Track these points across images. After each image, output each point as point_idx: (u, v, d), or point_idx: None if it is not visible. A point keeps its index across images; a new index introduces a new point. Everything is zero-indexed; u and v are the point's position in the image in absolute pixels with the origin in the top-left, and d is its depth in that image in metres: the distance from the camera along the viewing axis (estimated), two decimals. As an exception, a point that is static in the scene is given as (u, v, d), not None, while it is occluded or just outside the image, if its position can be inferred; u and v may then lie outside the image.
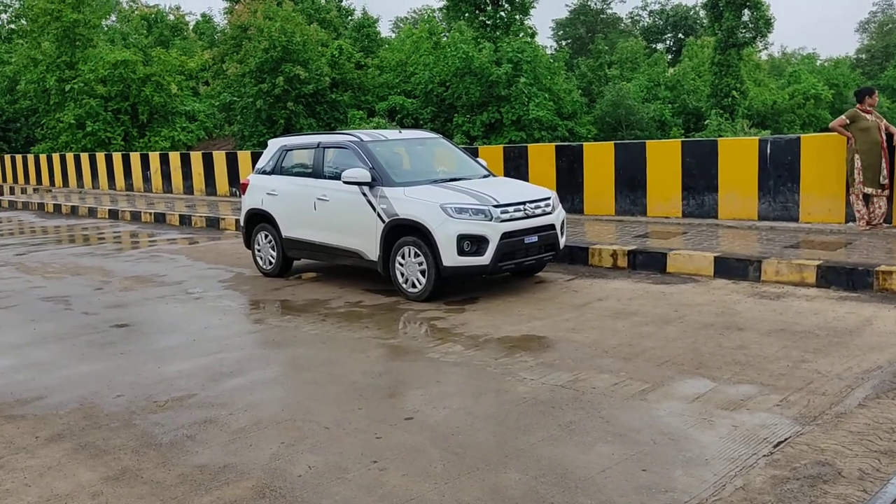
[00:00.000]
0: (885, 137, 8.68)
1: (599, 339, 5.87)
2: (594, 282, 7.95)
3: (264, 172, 9.09)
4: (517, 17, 36.63)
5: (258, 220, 9.05)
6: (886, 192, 8.76)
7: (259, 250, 9.08)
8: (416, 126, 30.97)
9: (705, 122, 36.26)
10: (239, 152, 17.99)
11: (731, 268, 7.75)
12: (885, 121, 8.96)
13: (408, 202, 7.45)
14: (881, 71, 61.46)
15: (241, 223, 9.39)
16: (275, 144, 9.22)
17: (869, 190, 8.72)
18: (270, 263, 8.96)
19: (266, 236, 8.94)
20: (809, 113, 41.69)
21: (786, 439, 3.91)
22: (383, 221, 7.57)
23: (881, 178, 8.64)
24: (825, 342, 5.49)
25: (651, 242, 8.91)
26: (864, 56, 65.36)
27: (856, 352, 5.24)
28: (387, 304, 7.40)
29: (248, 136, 31.28)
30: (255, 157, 15.84)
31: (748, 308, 6.56)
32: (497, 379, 5.08)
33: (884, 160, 8.64)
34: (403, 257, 7.47)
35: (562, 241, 7.97)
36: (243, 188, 9.36)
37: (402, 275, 7.50)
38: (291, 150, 8.95)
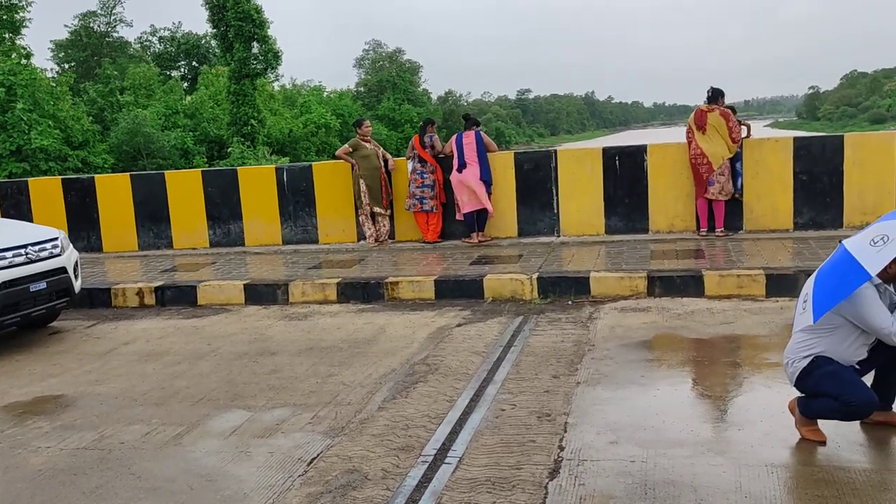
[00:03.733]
0: (382, 163, 9.80)
1: (127, 387, 5.45)
2: (119, 325, 7.38)
3: None
4: (6, 35, 32.44)
5: None
6: (388, 212, 9.91)
7: None
8: None
9: (228, 150, 36.86)
10: None
11: (260, 294, 7.93)
12: (381, 148, 10.13)
13: None
14: (378, 102, 69.90)
15: None
16: None
17: (376, 210, 9.75)
18: None
19: None
20: (322, 140, 45.43)
21: (318, 455, 4.09)
22: None
23: (383, 200, 9.75)
24: (348, 354, 5.94)
25: (179, 276, 8.64)
26: (363, 89, 73.62)
27: (374, 359, 5.77)
28: None
29: None
30: None
31: (279, 331, 6.77)
32: (5, 455, 4.34)
33: (383, 184, 9.75)
34: None
35: (77, 285, 7.22)
36: None
37: None
38: None
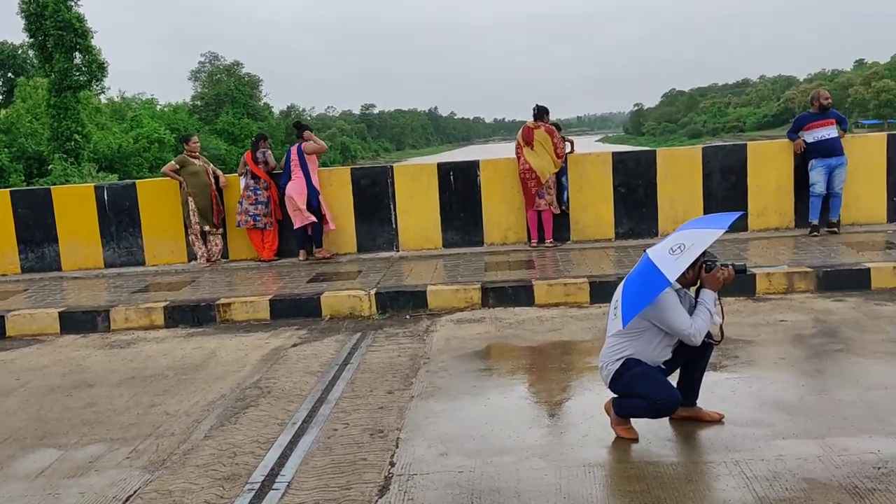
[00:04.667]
0: (213, 180, 9.45)
1: (-84, 433, 4.88)
2: (-89, 363, 6.62)
3: None
4: None
5: None
6: (220, 230, 9.56)
7: None
8: None
9: (49, 168, 34.29)
10: None
11: (78, 321, 7.39)
12: (211, 165, 9.77)
13: None
14: (216, 117, 67.59)
15: None
16: None
17: (206, 228, 9.38)
18: None
19: None
20: (156, 156, 43.22)
21: (135, 491, 3.85)
22: None
23: (214, 218, 9.39)
24: (174, 381, 5.65)
25: (-16, 306, 7.89)
26: (199, 102, 70.94)
27: (202, 385, 5.52)
28: None
29: None
30: None
31: (98, 361, 6.33)
32: None
33: (214, 201, 9.40)
34: None
35: None
36: None
37: None
38: None
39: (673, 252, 3.86)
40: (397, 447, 4.18)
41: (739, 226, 9.17)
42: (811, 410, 4.30)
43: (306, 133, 9.31)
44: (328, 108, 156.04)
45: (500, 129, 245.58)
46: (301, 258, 9.33)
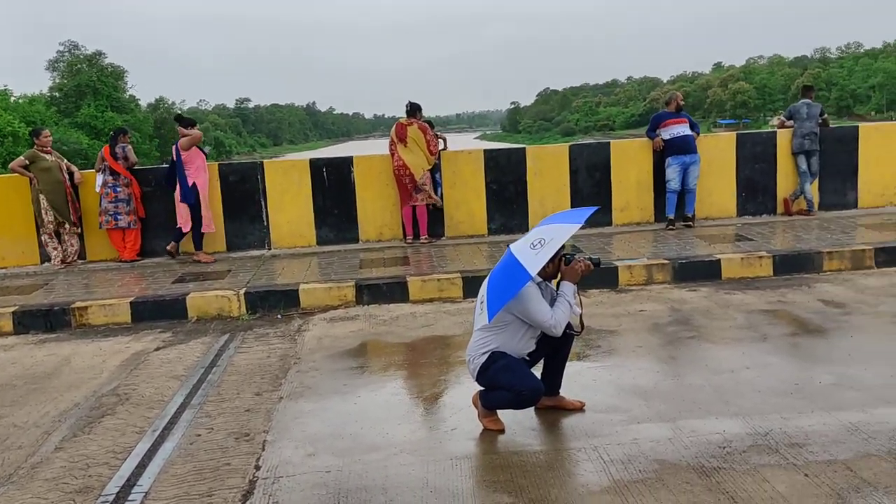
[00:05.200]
0: (66, 176, 8.90)
1: None
2: None
3: None
4: None
5: None
6: (77, 229, 9.02)
7: None
8: None
9: None
10: None
11: (-87, 330, 6.77)
12: (65, 160, 9.20)
13: None
14: (77, 109, 63.81)
15: None
16: None
17: (66, 227, 8.82)
18: None
19: None
20: (9, 150, 40.30)
21: (-26, 513, 3.58)
22: None
23: (70, 216, 8.85)
24: (24, 392, 5.28)
25: None
26: (58, 94, 66.69)
27: (54, 394, 5.19)
28: None
29: None
30: None
31: (-64, 373, 5.82)
32: None
33: (69, 199, 8.85)
34: None
35: None
36: None
37: None
38: None
39: (534, 247, 3.96)
40: (264, 450, 4.08)
41: (604, 221, 9.57)
42: (664, 395, 4.54)
43: (180, 128, 8.91)
44: (200, 101, 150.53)
45: (380, 126, 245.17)
46: (169, 247, 8.93)
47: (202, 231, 8.84)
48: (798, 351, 5.28)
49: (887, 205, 10.00)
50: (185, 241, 9.00)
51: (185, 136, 8.77)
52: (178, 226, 8.76)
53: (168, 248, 8.92)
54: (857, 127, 10.37)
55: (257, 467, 3.88)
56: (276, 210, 9.37)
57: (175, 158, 8.69)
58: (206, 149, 8.80)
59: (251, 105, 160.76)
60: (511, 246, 4.09)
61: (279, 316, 7.03)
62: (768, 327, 5.84)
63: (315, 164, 9.50)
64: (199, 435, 4.34)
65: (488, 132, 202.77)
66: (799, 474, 3.49)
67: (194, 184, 8.66)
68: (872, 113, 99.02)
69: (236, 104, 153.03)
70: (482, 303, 4.13)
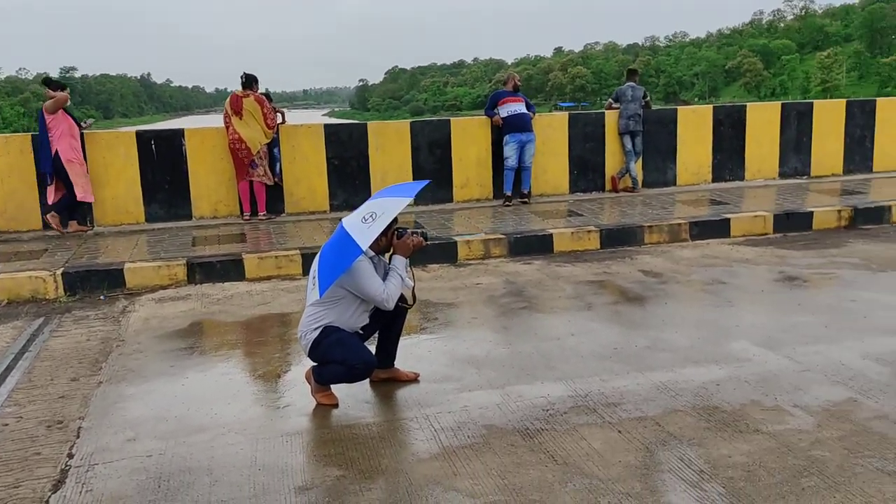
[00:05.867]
0: None
1: None
2: None
3: None
4: None
5: None
6: None
7: None
8: None
9: None
10: None
11: None
12: None
13: None
14: None
15: None
16: None
17: None
18: None
19: None
20: None
21: None
22: None
23: None
24: None
25: None
26: None
27: None
28: None
29: None
30: None
31: None
32: None
33: None
34: None
35: None
36: None
37: None
38: None
39: (365, 221, 3.95)
40: (78, 437, 3.83)
41: (445, 197, 9.70)
42: (495, 363, 4.69)
43: (47, 90, 8.37)
44: (20, 69, 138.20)
45: (223, 100, 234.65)
46: (73, 228, 8.51)
47: (78, 200, 8.35)
48: (619, 318, 5.61)
49: (702, 182, 10.83)
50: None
51: (50, 97, 8.23)
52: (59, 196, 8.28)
53: (71, 228, 8.45)
54: (676, 109, 11.13)
55: (70, 455, 3.63)
56: (99, 185, 8.75)
57: (40, 130, 8.14)
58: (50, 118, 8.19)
59: (77, 75, 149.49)
60: (343, 220, 4.05)
61: (102, 297, 6.60)
62: (593, 297, 6.17)
63: (143, 137, 8.96)
64: (7, 424, 4.01)
65: (336, 109, 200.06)
66: (613, 431, 3.72)
67: (57, 152, 8.16)
68: (696, 99, 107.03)
69: (61, 73, 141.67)
70: (314, 278, 4.08)
